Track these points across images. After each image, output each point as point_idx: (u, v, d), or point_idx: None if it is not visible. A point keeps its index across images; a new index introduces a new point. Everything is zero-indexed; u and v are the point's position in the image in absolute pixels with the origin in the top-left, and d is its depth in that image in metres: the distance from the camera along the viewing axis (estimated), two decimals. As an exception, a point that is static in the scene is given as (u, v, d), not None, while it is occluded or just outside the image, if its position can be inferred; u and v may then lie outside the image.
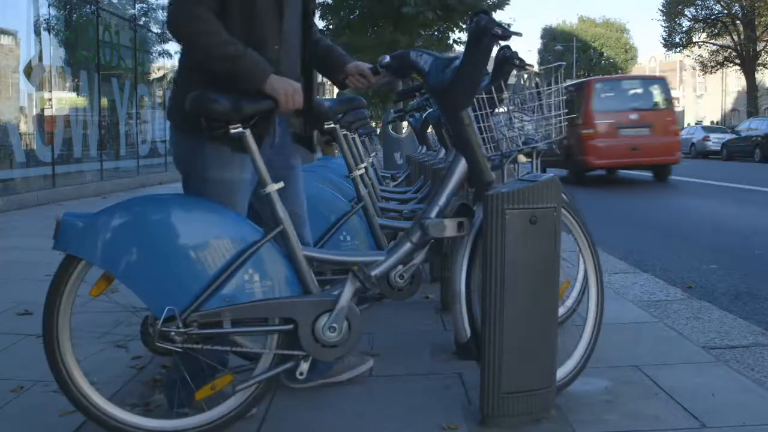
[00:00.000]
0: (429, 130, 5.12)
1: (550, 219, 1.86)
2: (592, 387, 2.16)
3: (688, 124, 36.05)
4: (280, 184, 1.83)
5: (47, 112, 9.10)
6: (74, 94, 10.05)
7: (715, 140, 24.52)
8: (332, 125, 2.48)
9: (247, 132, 1.77)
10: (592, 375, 2.25)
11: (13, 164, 8.29)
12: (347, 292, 1.84)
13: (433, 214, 1.90)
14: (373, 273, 1.88)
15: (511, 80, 2.20)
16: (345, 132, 2.85)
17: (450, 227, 1.89)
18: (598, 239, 2.24)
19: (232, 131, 1.75)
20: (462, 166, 1.95)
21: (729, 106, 44.04)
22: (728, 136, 24.01)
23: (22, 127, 8.77)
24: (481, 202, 1.90)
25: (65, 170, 9.35)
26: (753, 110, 32.09)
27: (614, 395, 2.09)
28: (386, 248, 2.40)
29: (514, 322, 1.83)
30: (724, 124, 36.17)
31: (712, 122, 40.20)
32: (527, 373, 1.87)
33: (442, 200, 1.93)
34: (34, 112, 9.06)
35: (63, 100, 9.73)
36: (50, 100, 9.14)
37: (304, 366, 1.82)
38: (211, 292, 1.72)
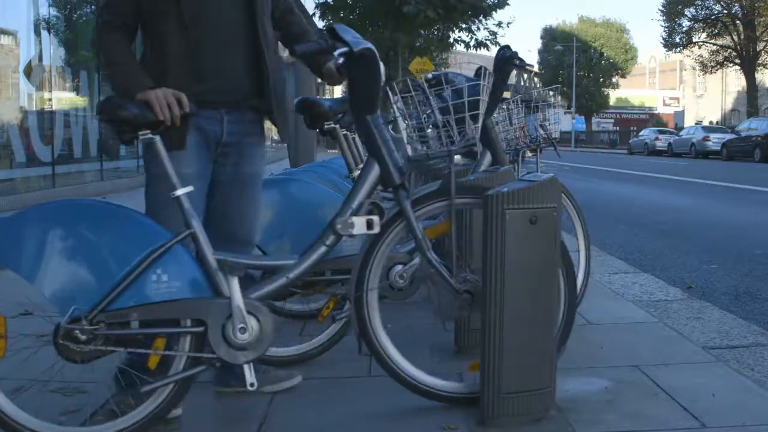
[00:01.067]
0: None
1: (550, 219, 1.86)
2: (592, 387, 2.16)
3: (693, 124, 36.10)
4: (189, 188, 1.82)
5: (47, 112, 9.11)
6: (74, 94, 10.05)
7: (715, 140, 24.52)
8: (332, 125, 2.48)
9: (157, 138, 1.79)
10: (592, 375, 2.26)
11: (13, 164, 8.30)
12: (234, 290, 1.81)
13: (347, 215, 1.92)
14: (288, 276, 1.87)
15: (511, 80, 2.30)
16: (345, 132, 2.85)
17: (358, 225, 1.91)
18: (598, 239, 2.24)
19: (141, 137, 1.78)
20: (374, 170, 1.97)
21: (729, 106, 44.02)
22: (728, 136, 24.00)
23: (22, 127, 8.78)
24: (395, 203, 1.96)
25: (65, 170, 9.36)
26: (753, 110, 32.08)
27: (614, 395, 2.09)
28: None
29: (514, 322, 1.83)
30: (724, 124, 36.15)
31: (711, 122, 40.17)
32: (527, 373, 1.87)
33: (355, 203, 1.95)
34: (34, 112, 9.06)
35: (63, 100, 9.73)
36: (50, 100, 9.14)
37: (249, 374, 1.83)
38: (118, 292, 1.73)
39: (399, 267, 2.39)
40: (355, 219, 1.90)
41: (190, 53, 1.91)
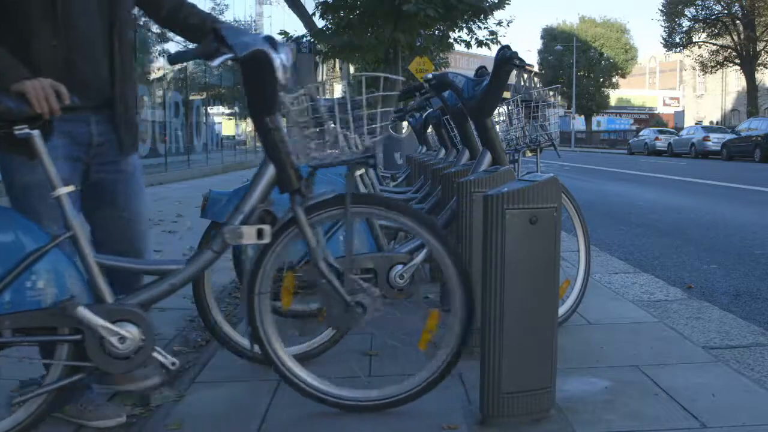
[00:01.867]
0: (429, 130, 5.13)
1: (550, 219, 1.86)
2: (592, 387, 2.16)
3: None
4: (70, 188, 1.73)
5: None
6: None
7: (715, 140, 24.52)
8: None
9: (35, 133, 1.67)
10: (592, 375, 2.26)
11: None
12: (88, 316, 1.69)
13: (237, 221, 1.85)
14: (172, 282, 1.80)
15: (511, 80, 2.31)
16: (345, 132, 2.85)
17: (248, 234, 1.83)
18: (598, 239, 2.25)
19: (17, 132, 1.66)
20: (269, 173, 1.89)
21: (729, 106, 44.02)
22: (728, 136, 24.00)
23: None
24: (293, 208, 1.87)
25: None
26: (753, 110, 32.08)
27: (614, 395, 2.09)
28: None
29: (514, 322, 1.83)
30: (724, 124, 36.16)
31: (712, 122, 40.18)
32: (527, 373, 1.87)
33: (247, 207, 1.87)
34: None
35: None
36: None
37: (163, 358, 1.77)
38: None
39: (399, 267, 2.39)
40: (244, 228, 1.83)
41: (58, 57, 1.81)
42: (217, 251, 1.84)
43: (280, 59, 1.76)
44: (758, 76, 34.29)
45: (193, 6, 2.14)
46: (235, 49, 1.71)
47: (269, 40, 1.79)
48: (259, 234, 1.83)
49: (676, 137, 28.34)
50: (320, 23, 14.77)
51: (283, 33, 15.07)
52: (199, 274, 1.88)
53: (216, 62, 1.73)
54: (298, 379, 1.97)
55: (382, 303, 1.97)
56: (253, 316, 1.95)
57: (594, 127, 50.82)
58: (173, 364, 1.79)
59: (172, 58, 1.85)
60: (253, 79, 1.78)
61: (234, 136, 23.25)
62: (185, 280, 1.84)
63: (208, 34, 1.76)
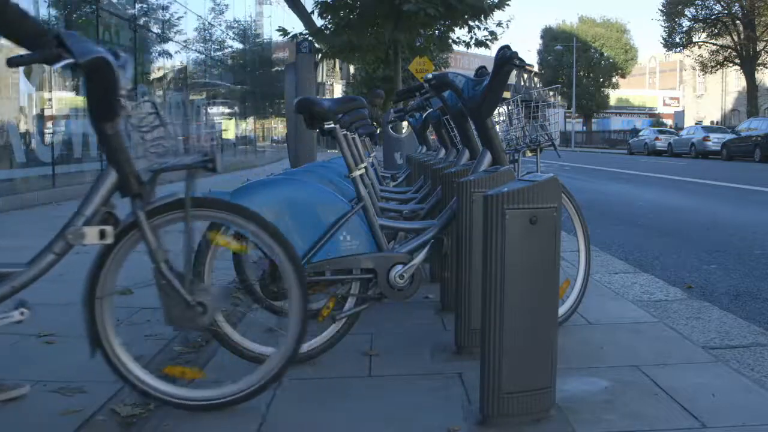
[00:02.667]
0: (429, 130, 5.13)
1: (550, 219, 1.86)
2: (592, 387, 2.16)
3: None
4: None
5: (47, 112, 9.11)
6: (74, 94, 10.05)
7: (715, 140, 24.53)
8: (332, 125, 2.48)
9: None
10: (592, 375, 2.26)
11: (13, 164, 8.29)
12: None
13: (80, 223, 1.86)
14: (13, 285, 1.82)
15: (511, 80, 2.32)
16: (345, 132, 2.85)
17: (90, 235, 1.86)
18: (598, 239, 2.25)
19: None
20: (111, 177, 1.92)
21: (729, 106, 44.03)
22: (728, 136, 24.01)
23: (22, 127, 8.78)
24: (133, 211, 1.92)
25: (65, 170, 9.36)
26: (753, 110, 32.08)
27: (614, 395, 2.09)
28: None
29: (514, 322, 1.83)
30: (724, 124, 36.16)
31: (712, 122, 40.18)
32: (527, 373, 1.87)
33: (89, 210, 1.88)
34: (34, 112, 9.06)
35: (63, 100, 9.73)
36: (50, 100, 9.15)
37: None
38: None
39: (399, 267, 2.39)
40: (86, 229, 1.85)
41: None
42: (59, 253, 1.86)
43: (121, 67, 1.84)
44: (758, 76, 34.29)
45: (14, 5, 1.97)
46: (75, 54, 1.75)
47: (112, 51, 1.86)
48: (102, 235, 1.88)
49: (676, 137, 28.35)
50: (320, 22, 14.77)
51: (282, 30, 15.08)
52: (41, 276, 1.88)
53: (56, 66, 1.77)
54: (142, 382, 2.00)
55: (235, 302, 2.08)
56: (93, 319, 1.94)
57: (594, 128, 50.81)
58: None
59: (11, 61, 1.84)
60: (93, 85, 1.83)
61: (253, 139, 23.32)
62: (26, 282, 1.85)
63: (50, 40, 1.78)
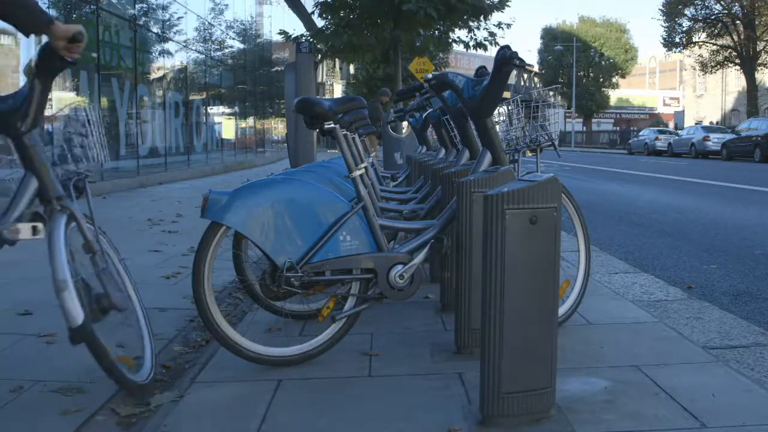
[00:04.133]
0: (429, 130, 5.12)
1: (550, 219, 1.86)
2: (592, 387, 2.16)
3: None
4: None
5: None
6: (74, 94, 10.05)
7: (715, 140, 24.54)
8: (332, 125, 2.48)
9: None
10: (592, 375, 2.26)
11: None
12: None
13: (8, 222, 2.01)
14: None
15: (511, 80, 2.33)
16: (345, 132, 2.85)
17: (24, 230, 2.02)
18: (598, 239, 2.25)
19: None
20: (33, 184, 2.11)
21: (729, 106, 44.02)
22: (728, 136, 24.02)
23: (22, 127, 8.76)
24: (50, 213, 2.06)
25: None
26: (753, 110, 32.09)
27: (614, 395, 2.09)
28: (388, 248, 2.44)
29: (514, 322, 1.83)
30: (724, 124, 36.16)
31: (712, 122, 40.17)
32: (527, 373, 1.87)
33: (16, 213, 2.03)
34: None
35: (63, 100, 9.72)
36: (50, 100, 9.14)
37: None
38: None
39: (399, 267, 2.39)
40: (20, 225, 2.01)
41: None
42: None
43: None
44: (758, 76, 34.29)
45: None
46: None
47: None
48: (34, 230, 2.06)
49: (676, 137, 28.35)
50: (320, 23, 14.77)
51: (283, 33, 15.08)
52: None
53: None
54: None
55: None
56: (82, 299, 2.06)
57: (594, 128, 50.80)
58: None
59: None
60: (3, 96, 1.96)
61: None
62: None
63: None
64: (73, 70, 9.96)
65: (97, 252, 2.16)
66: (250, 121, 23.78)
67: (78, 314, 1.97)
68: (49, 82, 2.19)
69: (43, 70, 2.18)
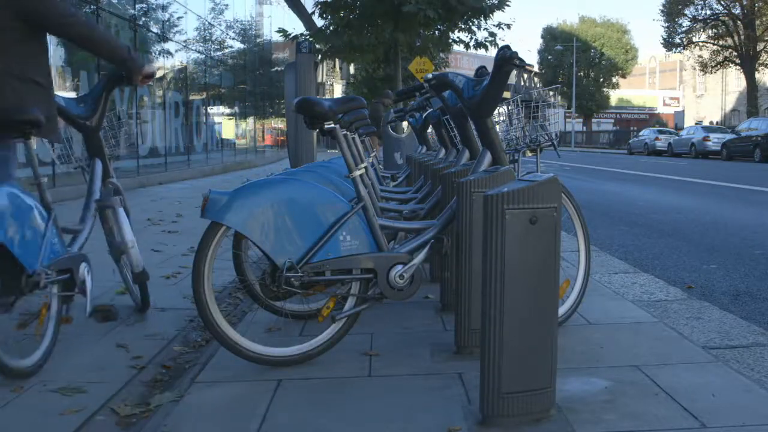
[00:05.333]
0: (429, 130, 5.12)
1: (550, 219, 1.86)
2: (592, 387, 2.16)
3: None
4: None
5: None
6: (74, 94, 10.05)
7: (715, 140, 24.54)
8: (332, 125, 2.48)
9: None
10: (592, 375, 2.26)
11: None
12: None
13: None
14: None
15: (511, 80, 2.34)
16: (345, 132, 2.85)
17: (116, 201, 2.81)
18: (598, 239, 2.25)
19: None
20: (99, 165, 2.88)
21: (729, 106, 44.02)
22: (728, 136, 24.01)
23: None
24: None
25: (65, 170, 9.35)
26: (753, 110, 32.09)
27: (614, 395, 2.09)
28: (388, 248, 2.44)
29: (514, 322, 1.83)
30: (724, 124, 36.16)
31: (712, 122, 40.17)
32: (527, 373, 1.87)
33: (98, 184, 2.78)
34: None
35: (63, 99, 9.72)
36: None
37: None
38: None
39: (399, 267, 2.39)
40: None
41: None
42: None
43: None
44: (758, 76, 34.29)
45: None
46: None
47: None
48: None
49: (676, 137, 28.34)
50: (320, 23, 14.77)
51: (282, 31, 15.07)
52: None
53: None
54: None
55: None
56: None
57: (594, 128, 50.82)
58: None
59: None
60: None
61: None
62: None
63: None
64: (73, 69, 9.97)
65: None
66: (250, 121, 23.79)
67: (141, 262, 2.93)
68: (112, 94, 3.00)
69: (112, 86, 2.97)
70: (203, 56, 18.37)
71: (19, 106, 2.47)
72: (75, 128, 2.97)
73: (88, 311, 2.56)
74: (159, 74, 14.42)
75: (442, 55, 20.95)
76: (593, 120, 52.37)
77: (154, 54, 14.38)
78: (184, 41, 16.10)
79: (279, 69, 25.88)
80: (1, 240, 2.14)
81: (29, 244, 2.30)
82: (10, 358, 2.19)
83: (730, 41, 34.16)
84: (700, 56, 36.03)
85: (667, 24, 36.56)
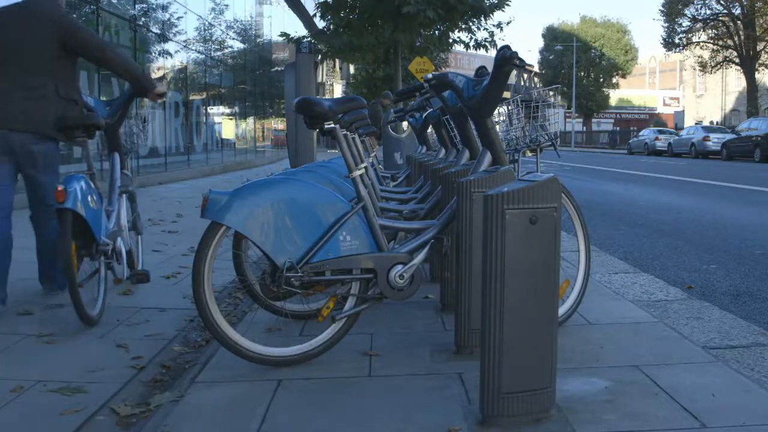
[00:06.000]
0: (429, 130, 5.12)
1: (550, 219, 1.86)
2: (592, 387, 2.16)
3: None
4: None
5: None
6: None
7: (715, 140, 24.53)
8: (332, 125, 2.47)
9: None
10: (592, 375, 2.26)
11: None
12: None
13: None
14: None
15: (511, 80, 2.34)
16: (345, 132, 2.85)
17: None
18: (598, 239, 2.25)
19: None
20: (117, 158, 3.56)
21: (729, 106, 44.02)
22: (728, 136, 24.01)
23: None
24: None
25: (65, 170, 9.35)
26: (753, 110, 32.09)
27: (614, 395, 2.09)
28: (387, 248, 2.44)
29: (514, 322, 1.83)
30: (724, 124, 36.16)
31: (712, 122, 40.17)
32: (527, 373, 1.87)
33: (118, 173, 3.37)
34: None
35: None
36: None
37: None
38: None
39: (399, 267, 2.39)
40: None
41: None
42: None
43: None
44: (758, 76, 34.29)
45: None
46: None
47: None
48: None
49: (676, 137, 28.34)
50: (320, 23, 14.77)
51: (284, 35, 15.07)
52: None
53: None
54: None
55: None
56: None
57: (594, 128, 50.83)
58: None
59: None
60: None
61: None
62: None
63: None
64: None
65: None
66: (250, 121, 23.79)
67: (128, 244, 3.51)
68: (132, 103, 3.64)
69: (132, 98, 3.60)
70: (203, 56, 18.37)
71: (82, 115, 3.30)
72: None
73: (126, 275, 3.40)
74: (159, 74, 14.43)
75: (442, 55, 20.96)
76: (593, 120, 52.36)
77: (154, 54, 14.38)
78: (184, 41, 16.10)
79: (279, 69, 25.88)
80: (84, 216, 2.88)
81: (97, 220, 3.04)
82: (90, 309, 2.90)
83: (729, 41, 34.15)
84: (699, 56, 36.02)
85: (667, 24, 36.55)
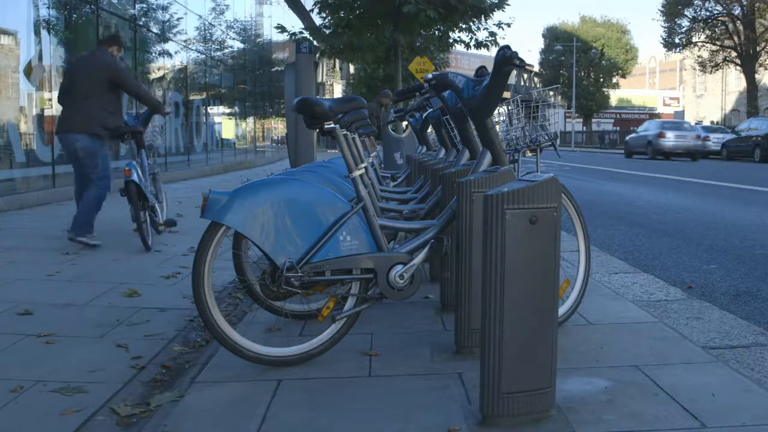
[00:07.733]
0: (429, 130, 5.13)
1: (550, 219, 1.86)
2: (592, 387, 2.16)
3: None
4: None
5: (47, 112, 9.11)
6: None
7: (715, 140, 24.53)
8: (332, 125, 2.47)
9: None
10: (592, 375, 2.26)
11: (13, 164, 8.30)
12: None
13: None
14: None
15: (511, 80, 2.34)
16: (345, 132, 2.85)
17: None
18: (598, 239, 2.25)
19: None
20: (145, 155, 5.08)
21: (729, 106, 44.03)
22: (728, 136, 24.01)
23: (22, 127, 8.78)
24: None
25: (65, 170, 9.35)
26: (753, 110, 32.09)
27: (614, 395, 2.09)
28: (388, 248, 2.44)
29: (514, 322, 1.83)
30: (724, 124, 36.16)
31: (712, 122, 40.17)
32: (527, 373, 1.87)
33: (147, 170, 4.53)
34: (34, 112, 9.07)
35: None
36: (50, 100, 9.15)
37: None
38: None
39: (399, 267, 2.39)
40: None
41: None
42: None
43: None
44: (758, 76, 34.29)
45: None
46: None
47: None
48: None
49: (634, 135, 28.42)
50: (320, 23, 14.76)
51: (280, 27, 15.06)
52: None
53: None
54: None
55: None
56: None
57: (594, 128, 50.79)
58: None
59: None
60: None
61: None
62: None
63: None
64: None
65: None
66: (250, 121, 23.79)
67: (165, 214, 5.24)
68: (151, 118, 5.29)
69: (151, 113, 5.44)
70: (203, 56, 18.37)
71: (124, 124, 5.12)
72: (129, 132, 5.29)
73: (161, 220, 5.22)
74: (159, 74, 14.45)
75: (442, 55, 20.96)
76: (593, 120, 52.36)
77: (154, 54, 14.38)
78: (185, 41, 16.09)
79: (279, 69, 25.88)
80: (141, 185, 4.95)
81: (146, 188, 5.08)
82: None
83: (729, 41, 34.15)
84: (699, 56, 36.03)
85: (666, 24, 36.56)
